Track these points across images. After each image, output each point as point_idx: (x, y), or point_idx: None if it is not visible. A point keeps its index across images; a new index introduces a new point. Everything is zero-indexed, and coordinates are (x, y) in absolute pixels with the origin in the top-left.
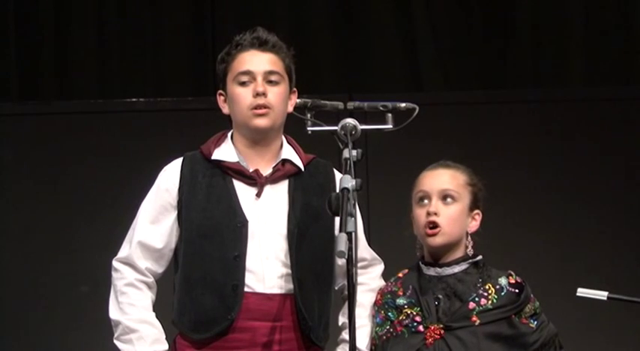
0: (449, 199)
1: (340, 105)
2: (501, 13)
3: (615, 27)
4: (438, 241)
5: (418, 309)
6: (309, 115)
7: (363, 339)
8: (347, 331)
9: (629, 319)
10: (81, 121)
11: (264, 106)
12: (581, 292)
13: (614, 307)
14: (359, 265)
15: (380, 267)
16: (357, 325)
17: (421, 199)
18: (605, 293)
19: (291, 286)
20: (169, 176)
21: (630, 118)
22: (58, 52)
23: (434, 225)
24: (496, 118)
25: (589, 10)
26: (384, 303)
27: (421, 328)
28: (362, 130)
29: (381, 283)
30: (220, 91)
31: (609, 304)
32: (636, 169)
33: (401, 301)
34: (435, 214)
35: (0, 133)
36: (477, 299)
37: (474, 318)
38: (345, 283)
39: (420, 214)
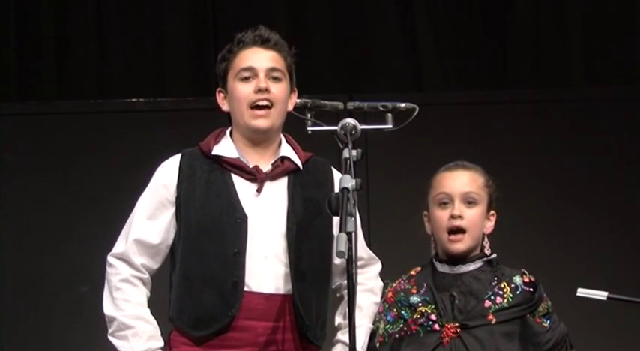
0: (471, 202)
1: (340, 105)
2: (501, 13)
3: (615, 27)
4: (461, 247)
5: (433, 307)
6: (309, 115)
7: (358, 339)
8: (343, 331)
9: (629, 319)
10: (81, 121)
11: (267, 100)
12: (581, 292)
13: (614, 307)
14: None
15: (377, 266)
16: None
17: (442, 200)
18: (605, 293)
19: (289, 285)
20: (167, 172)
21: (630, 118)
22: (58, 52)
23: (458, 229)
24: (496, 118)
25: (589, 10)
26: (396, 301)
27: (437, 326)
28: (362, 130)
29: (379, 282)
30: (220, 89)
31: (609, 304)
32: (636, 169)
33: (415, 298)
34: (460, 217)
35: (0, 133)
36: (492, 297)
37: (490, 316)
38: (342, 282)
39: (441, 216)
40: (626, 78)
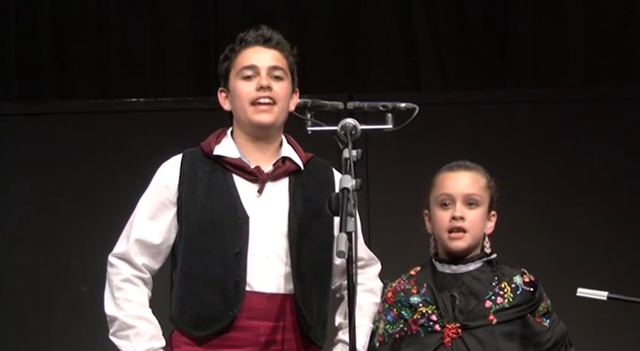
0: (472, 203)
1: (340, 105)
2: (501, 13)
3: (615, 27)
4: (461, 245)
5: (433, 307)
6: (309, 115)
7: (360, 339)
8: (344, 331)
9: (629, 319)
10: (81, 121)
11: (269, 98)
12: (581, 292)
13: (614, 307)
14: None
15: (377, 267)
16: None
17: (444, 201)
18: (605, 293)
19: (291, 285)
20: (169, 172)
21: (630, 118)
22: (58, 52)
23: (460, 230)
24: (496, 118)
25: (589, 9)
26: (396, 301)
27: (437, 327)
28: (362, 130)
29: (379, 283)
30: (222, 88)
31: (609, 304)
32: (636, 169)
33: (415, 299)
34: (462, 218)
35: (0, 133)
36: (493, 298)
37: (491, 317)
38: (342, 282)
39: (442, 216)
40: (626, 78)
